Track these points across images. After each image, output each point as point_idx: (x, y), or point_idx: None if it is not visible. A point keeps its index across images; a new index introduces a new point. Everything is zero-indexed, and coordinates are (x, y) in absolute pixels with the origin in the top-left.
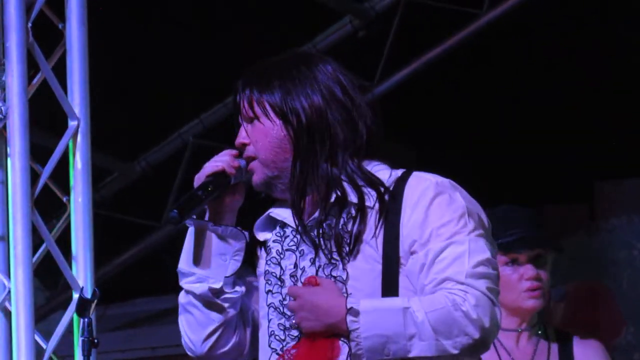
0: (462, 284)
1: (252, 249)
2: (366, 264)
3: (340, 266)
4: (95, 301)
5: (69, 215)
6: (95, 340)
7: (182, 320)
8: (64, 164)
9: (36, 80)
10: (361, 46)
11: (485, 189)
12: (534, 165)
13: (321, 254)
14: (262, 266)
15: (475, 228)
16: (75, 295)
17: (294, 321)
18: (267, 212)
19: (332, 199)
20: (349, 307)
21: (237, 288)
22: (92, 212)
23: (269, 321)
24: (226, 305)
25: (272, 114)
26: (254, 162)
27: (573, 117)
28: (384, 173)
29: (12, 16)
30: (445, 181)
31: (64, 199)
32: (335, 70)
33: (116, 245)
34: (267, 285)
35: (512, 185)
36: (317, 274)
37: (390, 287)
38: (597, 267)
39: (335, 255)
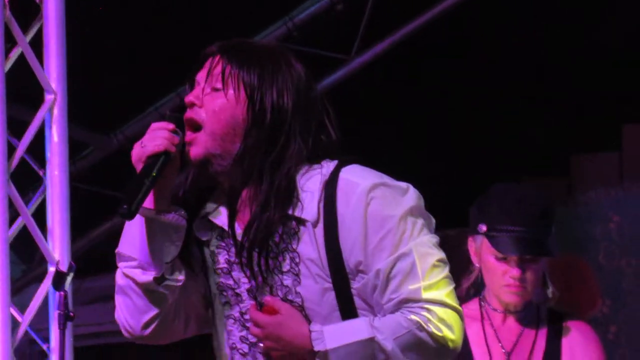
0: (421, 300)
1: (191, 243)
2: (316, 284)
3: (293, 290)
4: (71, 274)
5: (45, 189)
6: (71, 314)
7: (120, 303)
8: (40, 138)
9: (13, 53)
10: (338, 19)
11: (464, 163)
12: (512, 139)
13: (271, 272)
14: (211, 274)
15: (414, 224)
16: (51, 269)
17: (261, 345)
18: (203, 213)
19: (271, 211)
20: (316, 349)
21: (177, 275)
22: (69, 186)
23: (229, 332)
24: (167, 292)
25: (241, 93)
26: (198, 134)
27: (549, 91)
28: (315, 180)
29: None
30: (374, 182)
31: (40, 173)
32: (307, 78)
33: (92, 219)
34: (222, 297)
35: (491, 159)
36: (271, 293)
37: (347, 305)
38: (574, 240)
39: (285, 278)
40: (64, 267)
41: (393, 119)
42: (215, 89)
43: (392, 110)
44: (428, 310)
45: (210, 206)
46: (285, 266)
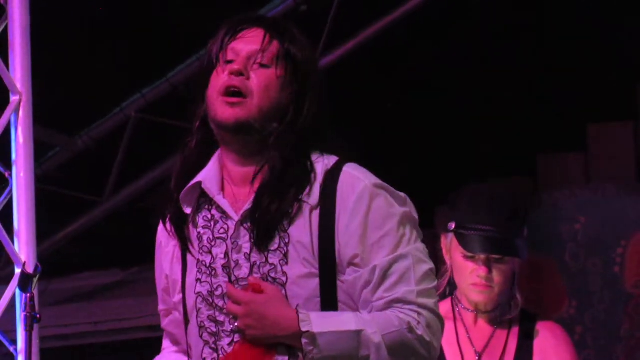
0: (414, 304)
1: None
2: (303, 268)
3: (279, 269)
4: (38, 276)
5: (11, 190)
6: (38, 315)
7: None
8: (5, 139)
9: None
10: (302, 21)
11: (430, 164)
12: (477, 139)
13: (255, 249)
14: (195, 252)
15: (412, 231)
16: (18, 271)
17: (236, 324)
18: (196, 180)
19: (280, 188)
20: (304, 330)
21: None
22: (35, 187)
23: (198, 311)
24: None
25: (293, 78)
26: (245, 99)
27: (515, 90)
28: (318, 167)
29: None
30: (377, 182)
31: (6, 174)
32: None
33: (58, 220)
34: (197, 273)
35: (456, 159)
36: (251, 271)
37: (329, 294)
38: (540, 240)
39: (271, 256)
40: (30, 269)
41: (357, 120)
42: (264, 66)
43: (356, 111)
44: (419, 313)
45: (203, 176)
46: (273, 245)
